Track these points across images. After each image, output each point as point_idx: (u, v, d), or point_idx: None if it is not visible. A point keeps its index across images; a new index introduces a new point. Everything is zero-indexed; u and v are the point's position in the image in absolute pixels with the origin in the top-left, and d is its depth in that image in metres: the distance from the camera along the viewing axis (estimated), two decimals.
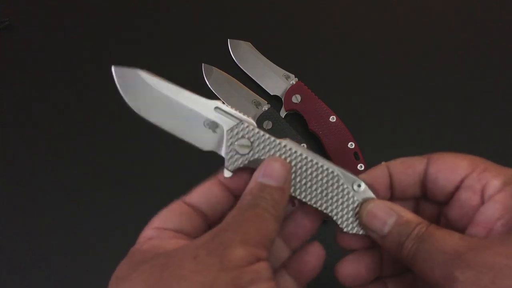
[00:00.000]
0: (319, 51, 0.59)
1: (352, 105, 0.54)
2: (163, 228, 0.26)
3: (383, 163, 0.27)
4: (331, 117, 0.51)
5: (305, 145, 0.49)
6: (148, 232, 0.26)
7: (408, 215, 0.25)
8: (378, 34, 0.60)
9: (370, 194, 0.26)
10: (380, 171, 0.27)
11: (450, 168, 0.25)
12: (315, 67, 0.57)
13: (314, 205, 0.27)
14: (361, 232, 0.27)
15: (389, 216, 0.25)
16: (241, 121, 0.26)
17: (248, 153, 0.26)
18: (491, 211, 0.23)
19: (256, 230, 0.23)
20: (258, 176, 0.26)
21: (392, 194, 0.28)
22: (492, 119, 0.53)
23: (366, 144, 0.50)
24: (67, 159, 0.52)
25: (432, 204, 0.28)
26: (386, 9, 0.62)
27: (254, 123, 0.27)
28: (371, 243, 0.28)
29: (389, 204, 0.26)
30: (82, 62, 0.59)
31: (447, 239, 0.22)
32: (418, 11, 0.62)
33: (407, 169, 0.27)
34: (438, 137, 0.52)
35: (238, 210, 0.24)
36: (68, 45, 0.60)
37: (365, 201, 0.26)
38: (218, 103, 0.26)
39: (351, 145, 0.49)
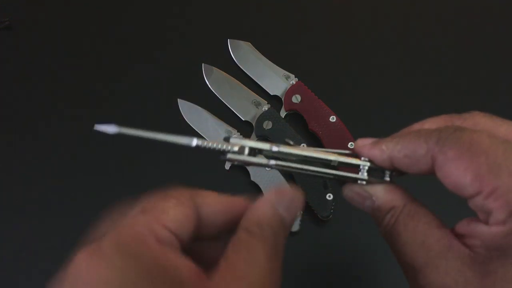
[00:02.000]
0: (319, 51, 0.59)
1: (352, 105, 0.54)
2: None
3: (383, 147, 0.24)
4: (331, 117, 0.51)
5: (305, 145, 0.49)
6: None
7: (381, 198, 0.24)
8: (379, 34, 0.60)
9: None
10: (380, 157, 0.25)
11: (456, 184, 0.21)
12: (315, 67, 0.57)
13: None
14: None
15: (364, 200, 0.25)
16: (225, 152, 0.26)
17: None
18: (491, 237, 0.21)
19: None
20: (277, 205, 0.22)
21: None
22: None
23: None
24: (67, 160, 0.52)
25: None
26: (387, 9, 0.62)
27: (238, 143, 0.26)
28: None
29: (362, 187, 0.25)
30: (82, 61, 0.59)
31: (422, 232, 0.22)
32: (419, 10, 0.62)
33: (412, 167, 0.24)
34: None
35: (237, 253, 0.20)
36: (68, 45, 0.60)
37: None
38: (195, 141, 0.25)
39: (351, 145, 0.49)
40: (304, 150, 0.26)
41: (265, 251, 0.20)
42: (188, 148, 0.25)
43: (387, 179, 0.25)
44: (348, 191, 0.26)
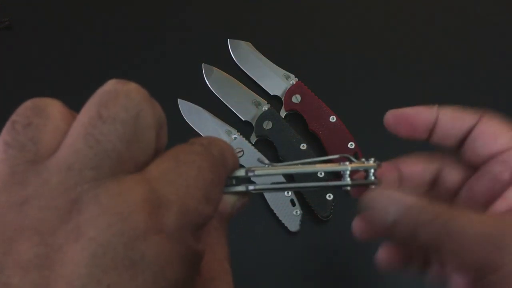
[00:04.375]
0: (319, 51, 0.59)
1: (352, 105, 0.54)
2: None
3: (436, 106, 0.26)
4: (331, 117, 0.51)
5: (305, 145, 0.49)
6: None
7: (412, 198, 0.23)
8: (379, 34, 0.60)
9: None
10: (428, 112, 0.26)
11: (492, 136, 0.24)
12: (315, 67, 0.57)
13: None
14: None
15: (392, 204, 0.23)
16: None
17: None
18: None
19: None
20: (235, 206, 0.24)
21: (431, 137, 0.27)
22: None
23: (366, 144, 0.50)
24: None
25: (454, 176, 0.26)
26: (386, 9, 0.62)
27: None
28: None
29: (389, 192, 0.24)
30: (82, 62, 0.59)
31: (476, 220, 0.21)
32: (419, 10, 0.62)
33: (455, 120, 0.25)
34: None
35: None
36: (68, 45, 0.60)
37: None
38: None
39: (351, 145, 0.49)
40: (280, 168, 0.24)
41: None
42: None
43: (372, 178, 0.24)
44: (371, 198, 0.24)
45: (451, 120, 0.26)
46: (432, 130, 0.26)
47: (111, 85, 0.17)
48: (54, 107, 0.17)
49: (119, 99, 0.16)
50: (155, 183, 0.16)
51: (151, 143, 0.17)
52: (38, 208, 0.14)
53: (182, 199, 0.16)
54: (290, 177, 0.49)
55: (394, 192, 0.23)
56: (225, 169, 0.19)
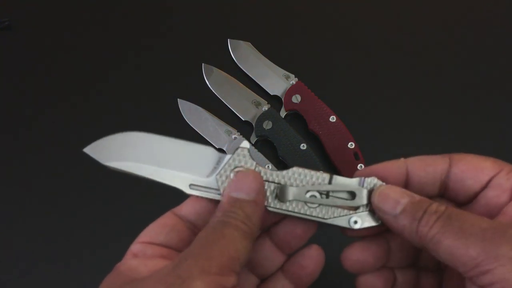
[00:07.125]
0: (319, 51, 0.59)
1: (352, 105, 0.54)
2: (149, 243, 0.25)
3: (402, 159, 0.27)
4: (331, 117, 0.51)
5: (305, 145, 0.49)
6: (135, 247, 0.25)
7: (421, 197, 0.25)
8: (378, 34, 0.60)
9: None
10: (397, 166, 0.26)
11: (476, 168, 0.25)
12: (315, 67, 0.57)
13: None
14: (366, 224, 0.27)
15: (402, 197, 0.24)
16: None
17: None
18: None
19: (221, 253, 0.22)
20: (229, 191, 0.25)
21: (407, 188, 0.27)
22: (493, 118, 0.53)
23: (366, 144, 0.50)
24: (61, 162, 0.52)
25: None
26: (387, 9, 0.62)
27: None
28: (379, 230, 0.27)
29: (401, 188, 0.25)
30: (82, 62, 0.59)
31: (480, 218, 0.22)
32: (419, 11, 0.62)
33: (427, 167, 0.26)
34: (439, 137, 0.52)
35: (204, 231, 0.24)
36: (68, 45, 0.60)
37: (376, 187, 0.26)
38: (191, 179, 0.27)
39: (351, 145, 0.49)
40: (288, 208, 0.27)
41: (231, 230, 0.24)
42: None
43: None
44: (385, 187, 0.26)
45: (422, 168, 0.26)
46: (406, 182, 0.27)
47: None
48: None
49: None
50: None
51: None
52: None
53: None
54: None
55: (405, 190, 0.25)
56: None
